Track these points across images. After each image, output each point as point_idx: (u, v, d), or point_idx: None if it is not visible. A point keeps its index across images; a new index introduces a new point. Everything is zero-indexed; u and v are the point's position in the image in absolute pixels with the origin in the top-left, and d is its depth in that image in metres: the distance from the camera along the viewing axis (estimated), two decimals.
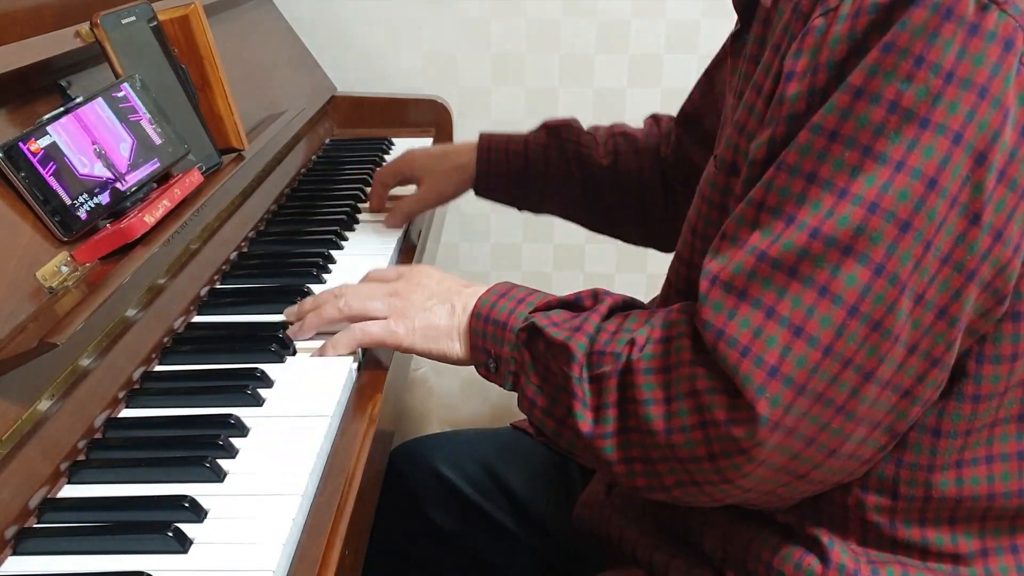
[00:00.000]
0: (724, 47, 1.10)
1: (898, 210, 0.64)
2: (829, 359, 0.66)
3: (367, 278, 0.97)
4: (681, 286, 0.86)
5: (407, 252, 1.26)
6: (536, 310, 0.83)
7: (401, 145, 1.69)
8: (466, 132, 1.88)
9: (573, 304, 0.83)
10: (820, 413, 0.67)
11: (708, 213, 0.81)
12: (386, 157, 1.62)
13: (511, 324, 0.83)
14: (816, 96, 0.67)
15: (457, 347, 0.87)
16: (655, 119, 1.27)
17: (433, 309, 0.88)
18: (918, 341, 0.66)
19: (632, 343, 0.75)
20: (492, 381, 0.85)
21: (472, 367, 0.87)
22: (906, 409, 0.69)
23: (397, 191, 1.36)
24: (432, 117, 1.81)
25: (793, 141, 0.67)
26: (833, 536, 0.75)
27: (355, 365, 0.92)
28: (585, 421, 0.76)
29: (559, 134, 1.25)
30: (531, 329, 0.81)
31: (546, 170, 1.25)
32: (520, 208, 1.31)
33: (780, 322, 0.66)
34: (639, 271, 1.95)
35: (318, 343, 0.93)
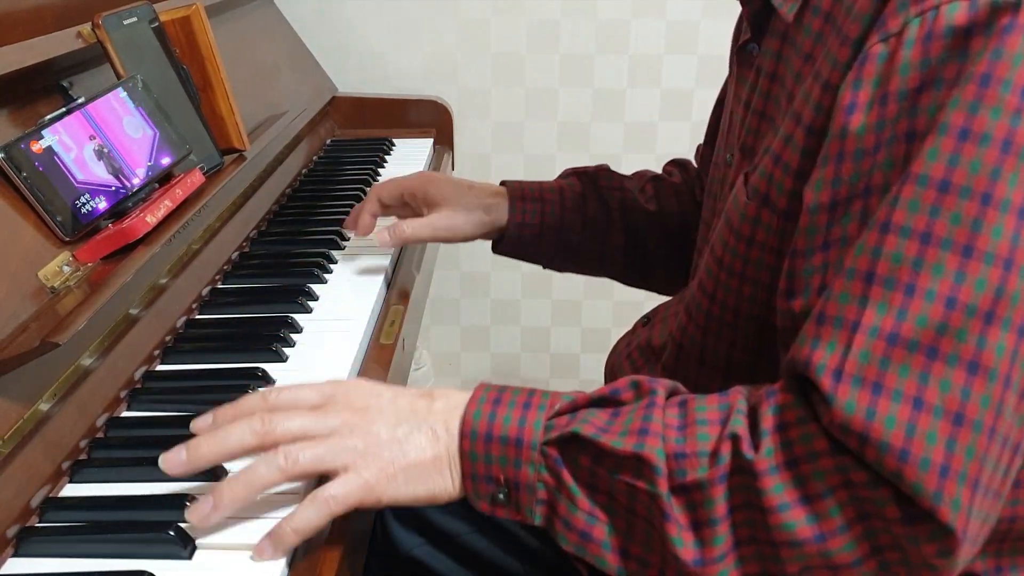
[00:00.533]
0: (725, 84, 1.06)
1: None
2: (995, 442, 0.58)
3: (281, 406, 0.69)
4: (701, 320, 0.79)
5: (408, 252, 1.26)
6: (557, 415, 0.67)
7: (402, 146, 1.70)
8: (466, 132, 1.88)
9: (608, 400, 0.68)
10: (986, 506, 0.59)
11: (736, 246, 0.75)
12: (387, 157, 1.63)
13: (528, 438, 0.65)
14: (887, 129, 0.60)
15: (449, 482, 0.68)
16: (679, 165, 1.19)
17: (407, 440, 0.68)
18: None
19: (734, 439, 0.62)
20: (503, 516, 0.68)
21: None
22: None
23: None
24: (432, 117, 1.81)
25: (895, 197, 0.59)
26: None
27: (358, 360, 0.92)
28: (686, 547, 0.62)
29: (596, 181, 1.12)
30: (568, 441, 0.65)
31: (583, 220, 1.10)
32: (545, 266, 1.16)
33: (934, 413, 0.57)
34: None
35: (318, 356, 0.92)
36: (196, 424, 0.70)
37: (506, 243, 1.11)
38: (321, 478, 0.68)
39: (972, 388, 0.57)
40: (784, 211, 0.70)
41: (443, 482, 0.68)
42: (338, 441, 0.67)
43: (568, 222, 1.10)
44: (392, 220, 1.13)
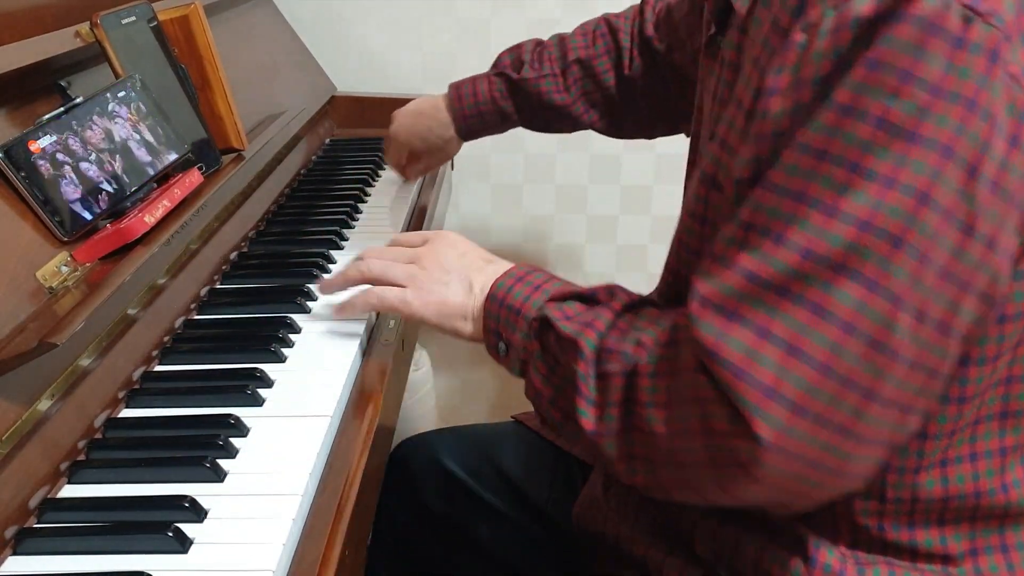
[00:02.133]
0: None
1: (890, 226, 0.63)
2: (827, 378, 0.65)
3: (394, 241, 0.98)
4: (671, 296, 0.86)
5: None
6: (551, 300, 0.82)
7: None
8: None
9: (588, 297, 0.82)
10: (825, 436, 0.66)
11: (692, 225, 0.81)
12: None
13: (525, 312, 0.82)
14: (801, 113, 0.66)
15: (469, 326, 0.87)
16: (611, 29, 1.30)
17: (450, 284, 0.89)
18: (918, 356, 0.66)
19: (640, 344, 0.74)
20: (500, 363, 0.86)
21: (483, 347, 0.88)
22: (906, 424, 0.68)
23: None
24: None
25: (779, 160, 0.66)
26: (821, 538, 0.76)
27: (356, 360, 0.92)
28: (588, 419, 0.75)
29: (521, 89, 1.31)
30: (543, 320, 0.81)
31: (522, 119, 1.33)
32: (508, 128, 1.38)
33: (773, 341, 0.65)
34: (639, 270, 1.95)
35: (320, 345, 0.93)
36: (354, 263, 0.97)
37: (465, 138, 1.38)
38: None
39: (811, 326, 0.64)
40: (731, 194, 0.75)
41: (464, 324, 0.88)
42: (404, 267, 0.92)
43: (506, 113, 1.34)
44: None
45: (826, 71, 0.65)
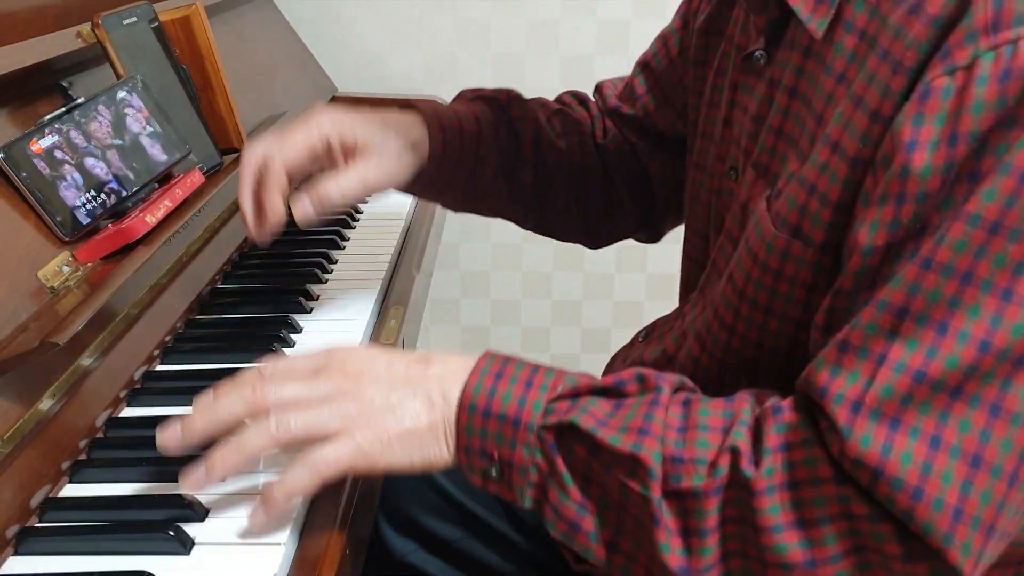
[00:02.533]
0: (660, 43, 1.02)
1: None
2: (1015, 488, 0.57)
3: (275, 375, 0.69)
4: (717, 353, 0.76)
5: (407, 252, 1.26)
6: (558, 398, 0.65)
7: None
8: None
9: (612, 391, 0.66)
10: (998, 549, 0.59)
11: (762, 278, 0.70)
12: None
13: (525, 420, 0.64)
14: (954, 170, 0.57)
15: (445, 450, 0.67)
16: (578, 98, 1.08)
17: (402, 406, 0.66)
18: None
19: (734, 452, 0.61)
20: (491, 490, 0.67)
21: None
22: None
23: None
24: None
25: (942, 235, 0.57)
26: None
27: None
28: (673, 553, 0.61)
29: (508, 111, 1.01)
30: (566, 429, 0.64)
31: (498, 156, 0.99)
32: (443, 204, 1.06)
33: (951, 453, 0.56)
34: (639, 271, 1.95)
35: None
36: (196, 400, 0.69)
37: (416, 182, 0.94)
38: None
39: (993, 431, 0.56)
40: (821, 244, 0.66)
41: (438, 450, 0.67)
42: (330, 407, 0.66)
43: (482, 157, 0.98)
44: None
45: (987, 125, 0.56)
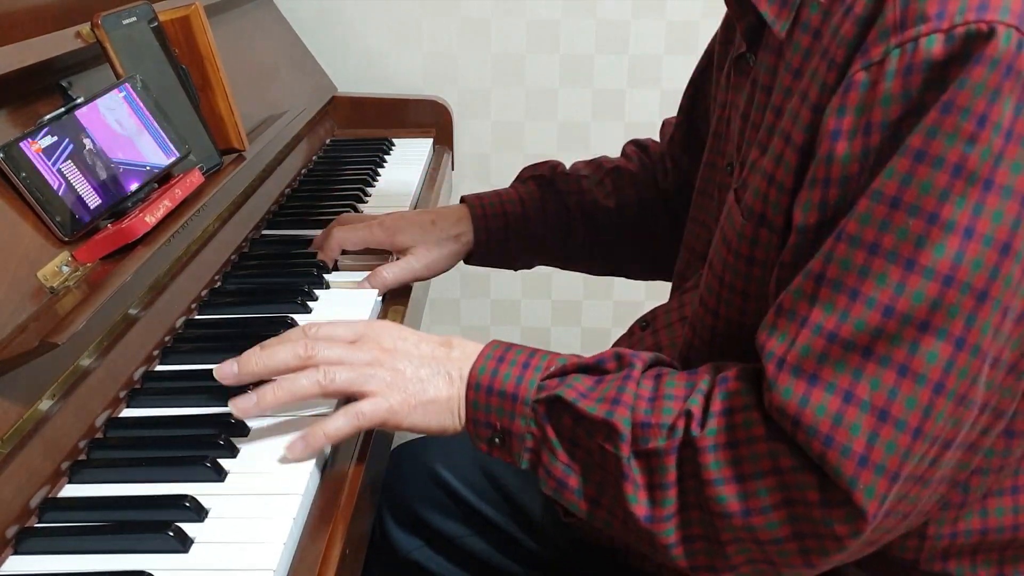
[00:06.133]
0: (704, 60, 1.09)
1: (974, 280, 0.61)
2: (920, 441, 0.63)
3: (322, 337, 0.80)
4: (706, 336, 0.82)
5: None
6: (549, 376, 0.75)
7: (401, 146, 1.69)
8: (466, 132, 1.88)
9: (593, 368, 0.76)
10: (905, 489, 0.64)
11: (736, 265, 0.77)
12: (386, 157, 1.62)
13: (522, 395, 0.75)
14: (870, 156, 0.64)
15: (456, 420, 0.78)
16: (639, 147, 1.21)
17: (429, 380, 0.78)
18: (988, 399, 0.65)
19: (688, 415, 0.69)
20: (494, 456, 0.78)
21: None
22: (970, 460, 0.68)
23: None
24: (432, 117, 1.81)
25: (852, 209, 0.64)
26: (849, 567, 0.74)
27: None
28: (640, 504, 0.70)
29: (553, 185, 1.16)
30: (553, 401, 0.74)
31: (545, 226, 1.15)
32: (515, 268, 1.22)
33: (861, 407, 0.63)
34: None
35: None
36: (243, 355, 0.79)
37: (475, 258, 1.15)
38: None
39: (900, 389, 0.62)
40: (781, 229, 0.72)
41: (451, 420, 0.78)
42: (369, 371, 0.77)
43: (531, 230, 1.15)
44: None
45: (896, 115, 0.62)
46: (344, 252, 1.15)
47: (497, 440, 0.76)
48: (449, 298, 2.04)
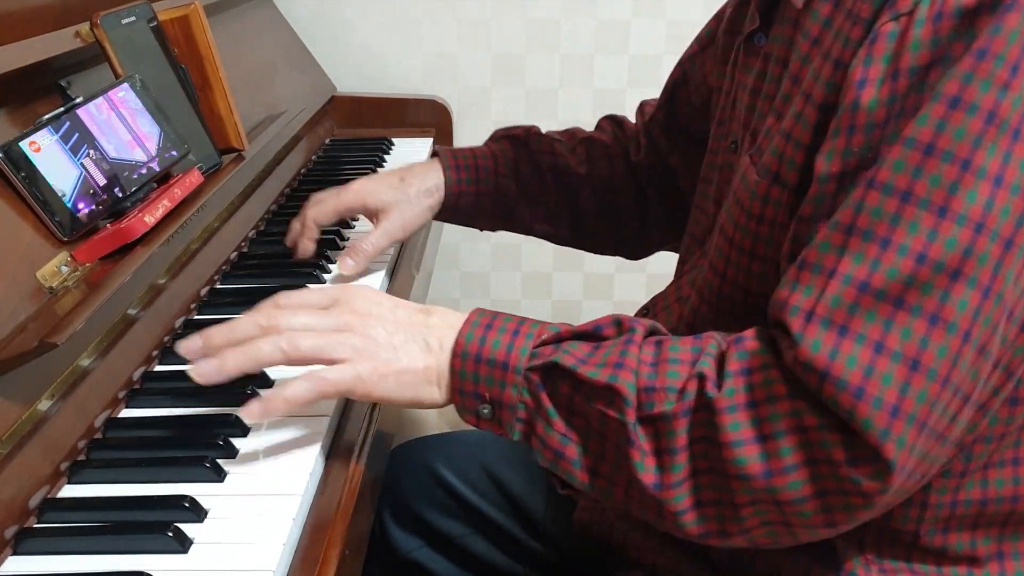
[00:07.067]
0: (695, 46, 1.12)
1: (1002, 228, 0.61)
2: (947, 390, 0.62)
3: (290, 305, 0.77)
4: (713, 300, 0.81)
5: (407, 252, 1.26)
6: (542, 344, 0.72)
7: (401, 145, 1.69)
8: (466, 132, 1.88)
9: (591, 335, 0.73)
10: (929, 446, 0.64)
11: (747, 224, 0.76)
12: (386, 157, 1.62)
13: (513, 363, 0.71)
14: (897, 103, 0.64)
15: (436, 392, 0.74)
16: (614, 121, 1.21)
17: (403, 348, 0.74)
18: (1002, 355, 0.65)
19: (700, 377, 0.67)
20: (483, 427, 0.74)
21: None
22: (978, 422, 0.68)
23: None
24: (432, 117, 1.81)
25: (882, 157, 0.63)
26: (848, 545, 0.74)
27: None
28: (647, 471, 0.67)
29: (528, 145, 1.15)
30: (550, 368, 0.71)
31: (517, 184, 1.14)
32: (480, 228, 1.21)
33: (892, 357, 0.62)
34: (639, 271, 1.95)
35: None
36: (208, 329, 0.76)
37: (444, 211, 1.14)
38: None
39: (931, 338, 0.62)
40: (795, 186, 0.72)
41: (429, 391, 0.74)
42: (338, 336, 0.73)
43: (502, 187, 1.13)
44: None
45: (925, 60, 0.63)
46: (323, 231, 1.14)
47: (486, 411, 0.72)
48: (449, 298, 2.04)
